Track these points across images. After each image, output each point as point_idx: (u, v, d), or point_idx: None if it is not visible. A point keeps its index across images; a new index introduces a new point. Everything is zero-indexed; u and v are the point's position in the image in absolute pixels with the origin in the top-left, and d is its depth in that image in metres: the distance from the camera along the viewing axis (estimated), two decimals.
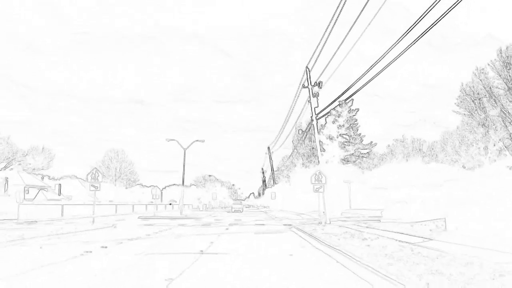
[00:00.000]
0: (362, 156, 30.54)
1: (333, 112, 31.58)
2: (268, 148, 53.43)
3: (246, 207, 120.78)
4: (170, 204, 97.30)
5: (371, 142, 31.22)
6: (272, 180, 67.69)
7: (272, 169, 53.86)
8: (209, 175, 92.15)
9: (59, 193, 76.56)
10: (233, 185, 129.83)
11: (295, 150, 51.31)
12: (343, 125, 31.54)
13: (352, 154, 30.52)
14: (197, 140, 39.56)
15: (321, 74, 22.07)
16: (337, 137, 31.74)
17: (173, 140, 39.10)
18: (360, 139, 31.00)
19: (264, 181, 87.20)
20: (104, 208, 53.71)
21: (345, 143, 30.96)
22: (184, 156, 39.14)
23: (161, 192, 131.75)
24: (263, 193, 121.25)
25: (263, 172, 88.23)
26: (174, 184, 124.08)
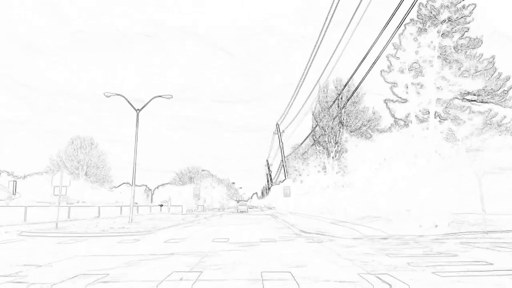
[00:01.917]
0: (490, 101, 14.07)
1: (424, 10, 14.97)
2: (277, 125, 36.91)
3: (249, 208, 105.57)
4: (161, 205, 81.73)
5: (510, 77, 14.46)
6: (281, 173, 51.42)
7: (282, 154, 37.31)
8: (203, 170, 75.47)
9: (14, 192, 60.77)
10: (233, 183, 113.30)
11: (319, 127, 34.69)
12: (447, 34, 14.92)
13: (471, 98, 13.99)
14: (159, 96, 23.15)
15: None
16: (432, 62, 15.08)
17: (119, 95, 22.75)
18: (489, 64, 14.32)
19: (269, 175, 70.44)
20: (51, 211, 39.73)
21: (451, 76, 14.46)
22: (137, 120, 22.75)
23: (152, 192, 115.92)
24: (267, 193, 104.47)
25: (268, 166, 71.47)
26: (168, 183, 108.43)
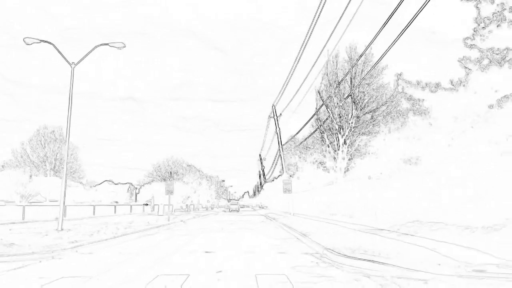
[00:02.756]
0: None
1: None
2: (273, 107, 29.92)
3: (240, 207, 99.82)
4: (146, 204, 74.37)
5: None
6: (277, 166, 44.39)
7: (279, 141, 30.20)
8: (188, 165, 68.00)
9: None
10: (223, 181, 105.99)
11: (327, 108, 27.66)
12: None
13: None
14: (105, 44, 15.88)
15: None
16: None
17: (46, 42, 15.44)
18: None
19: (262, 171, 63.27)
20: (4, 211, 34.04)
21: None
22: (72, 76, 15.50)
23: (138, 190, 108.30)
24: (259, 191, 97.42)
25: (261, 161, 64.35)
26: (153, 180, 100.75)
